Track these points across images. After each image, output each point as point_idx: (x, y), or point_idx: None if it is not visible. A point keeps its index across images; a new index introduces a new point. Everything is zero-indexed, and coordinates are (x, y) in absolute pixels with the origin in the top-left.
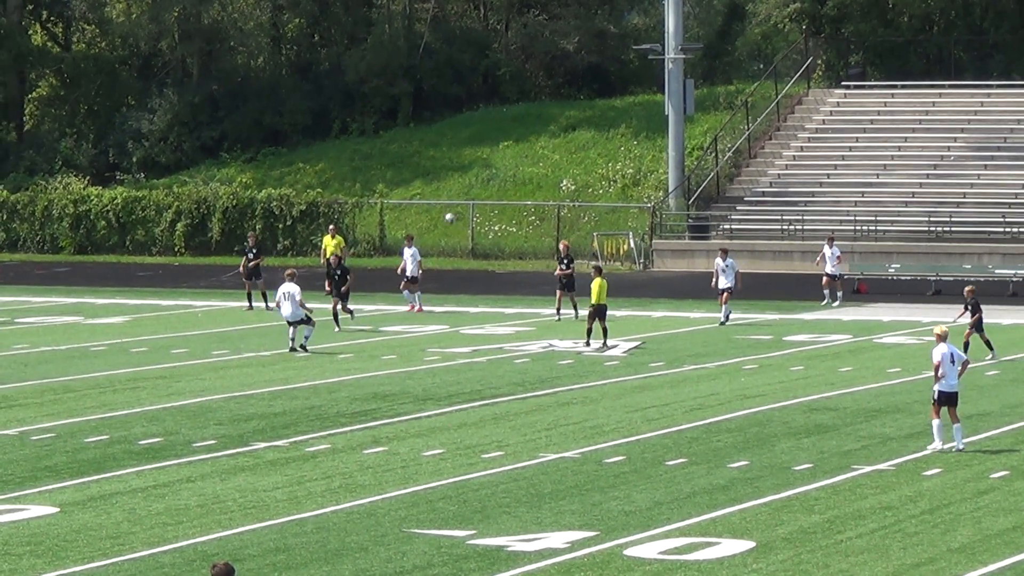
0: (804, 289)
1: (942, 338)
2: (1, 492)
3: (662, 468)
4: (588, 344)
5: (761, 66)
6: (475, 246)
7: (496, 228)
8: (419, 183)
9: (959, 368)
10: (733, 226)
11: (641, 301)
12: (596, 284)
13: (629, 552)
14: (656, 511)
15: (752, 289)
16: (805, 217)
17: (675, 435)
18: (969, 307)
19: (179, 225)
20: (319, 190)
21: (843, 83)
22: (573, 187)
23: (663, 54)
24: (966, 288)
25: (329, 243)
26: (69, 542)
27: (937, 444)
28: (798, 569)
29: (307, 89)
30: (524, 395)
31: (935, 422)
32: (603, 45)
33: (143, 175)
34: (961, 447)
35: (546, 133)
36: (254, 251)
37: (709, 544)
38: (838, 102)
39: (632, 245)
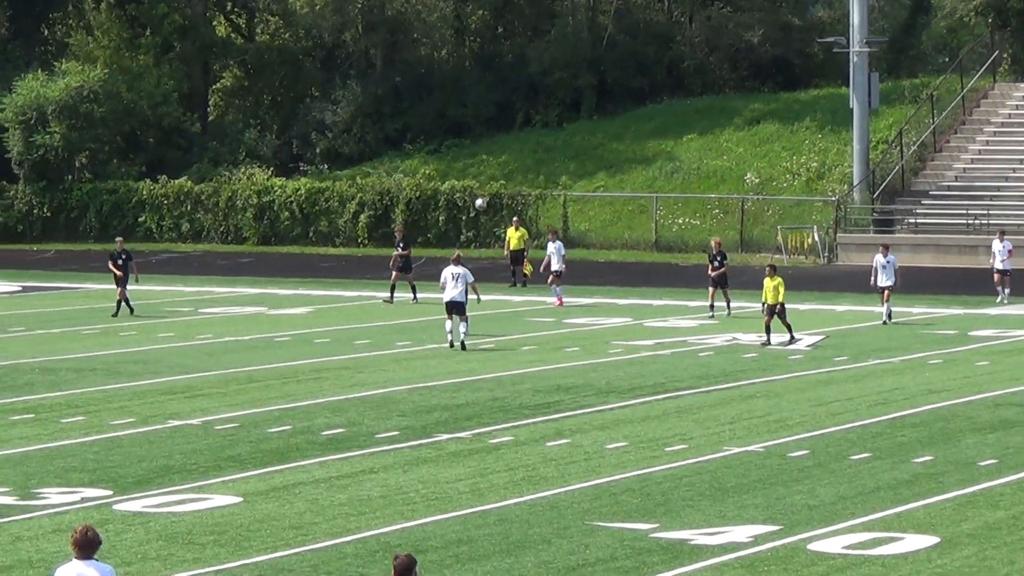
0: (990, 284)
1: None
2: (185, 481)
3: (846, 462)
4: (768, 342)
5: (946, 59)
6: (658, 239)
7: (680, 221)
8: (602, 175)
9: None
10: (918, 220)
11: (825, 295)
12: (768, 283)
13: (812, 546)
14: (840, 505)
15: (937, 284)
16: (991, 212)
17: (859, 429)
18: None
19: (362, 216)
20: (502, 182)
21: None
22: (757, 180)
23: (848, 47)
24: None
25: (513, 235)
26: (252, 532)
27: None
28: (982, 565)
29: (490, 81)
30: (707, 388)
31: None
32: (788, 38)
33: (326, 166)
34: None
35: (730, 126)
36: (402, 244)
37: (893, 539)
38: None
39: (816, 239)
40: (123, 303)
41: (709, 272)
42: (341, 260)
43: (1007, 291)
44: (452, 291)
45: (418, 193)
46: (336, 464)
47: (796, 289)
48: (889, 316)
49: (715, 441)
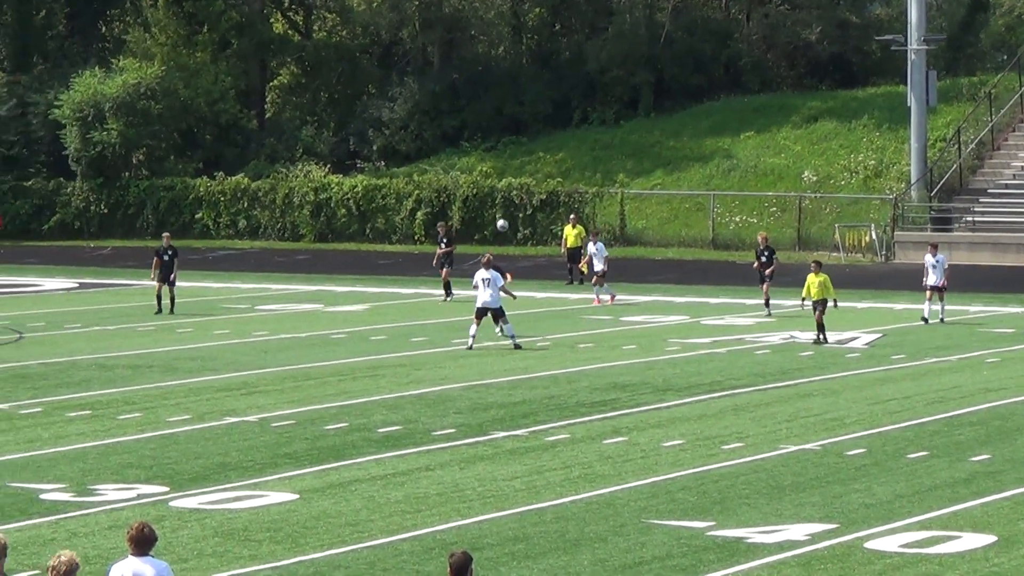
0: None
1: None
2: (241, 478)
3: (903, 461)
4: (825, 340)
5: (1005, 57)
6: (715, 237)
7: (737, 219)
8: (660, 173)
9: None
10: (976, 218)
11: (883, 293)
12: (813, 279)
13: (869, 545)
14: (897, 504)
15: (995, 282)
16: None
17: (916, 428)
18: None
19: (419, 213)
20: (559, 179)
21: None
22: (815, 178)
23: (906, 45)
24: None
25: (570, 233)
26: (308, 529)
27: None
28: None
29: (548, 78)
30: (764, 386)
31: None
32: (845, 35)
33: (383, 163)
34: None
35: (788, 124)
36: (445, 240)
37: (950, 538)
38: None
39: (874, 237)
40: (171, 300)
41: (755, 267)
42: (398, 257)
43: None
44: (484, 295)
45: (475, 190)
46: (392, 461)
47: (854, 287)
48: (937, 315)
49: (772, 439)
